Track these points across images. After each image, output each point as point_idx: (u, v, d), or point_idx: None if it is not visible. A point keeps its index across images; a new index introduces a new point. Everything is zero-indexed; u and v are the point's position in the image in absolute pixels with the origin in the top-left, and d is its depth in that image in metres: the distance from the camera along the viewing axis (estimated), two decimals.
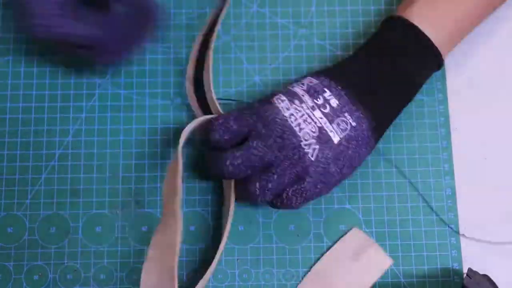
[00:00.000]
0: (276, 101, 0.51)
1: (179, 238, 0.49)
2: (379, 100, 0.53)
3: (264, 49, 0.60)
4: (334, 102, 0.51)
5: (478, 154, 0.59)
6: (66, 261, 0.55)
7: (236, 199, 0.53)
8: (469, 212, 0.57)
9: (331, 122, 0.51)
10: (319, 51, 0.60)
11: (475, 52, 0.61)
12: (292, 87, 0.53)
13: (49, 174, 0.57)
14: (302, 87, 0.52)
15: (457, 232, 0.56)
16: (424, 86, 0.58)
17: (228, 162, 0.49)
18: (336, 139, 0.51)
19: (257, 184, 0.49)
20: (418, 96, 0.56)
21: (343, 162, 0.51)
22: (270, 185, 0.49)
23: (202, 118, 0.53)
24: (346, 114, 0.51)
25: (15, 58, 0.60)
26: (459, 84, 0.60)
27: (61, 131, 0.58)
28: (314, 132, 0.50)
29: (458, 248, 0.56)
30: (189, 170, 0.57)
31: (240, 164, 0.49)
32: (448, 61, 0.60)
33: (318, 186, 0.51)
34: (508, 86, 0.60)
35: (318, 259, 0.56)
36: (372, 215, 0.57)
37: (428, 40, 0.53)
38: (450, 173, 0.58)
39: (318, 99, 0.51)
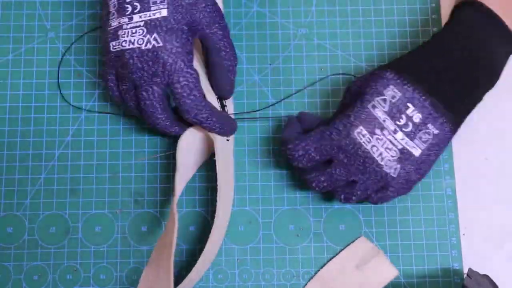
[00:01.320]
0: (357, 136, 0.51)
1: (175, 237, 0.49)
2: (461, 96, 0.53)
3: (264, 49, 0.60)
4: (417, 117, 0.51)
5: (478, 154, 0.59)
6: (65, 261, 0.55)
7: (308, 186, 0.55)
8: (469, 212, 0.57)
9: (412, 139, 0.51)
10: (319, 51, 0.60)
11: None
12: (373, 106, 0.52)
13: (49, 174, 0.57)
14: (383, 107, 0.51)
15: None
16: None
17: (314, 185, 0.53)
18: (417, 152, 0.52)
19: (342, 196, 0.53)
20: None
21: (425, 169, 0.53)
22: (354, 198, 0.53)
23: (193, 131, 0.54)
24: (428, 125, 0.52)
25: (15, 58, 0.60)
26: None
27: (61, 131, 0.58)
28: (394, 156, 0.51)
29: (458, 248, 0.56)
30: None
31: (325, 186, 0.53)
32: None
33: (401, 191, 0.53)
34: (509, 86, 0.60)
35: (319, 259, 0.56)
36: (372, 215, 0.57)
37: (506, 26, 0.53)
38: (450, 173, 0.58)
39: (401, 120, 0.51)
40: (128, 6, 0.52)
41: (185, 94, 0.52)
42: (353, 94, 0.54)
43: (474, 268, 0.53)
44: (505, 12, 0.53)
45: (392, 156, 0.51)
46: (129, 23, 0.52)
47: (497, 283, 0.52)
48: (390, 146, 0.51)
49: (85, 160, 0.57)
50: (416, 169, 0.52)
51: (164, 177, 0.57)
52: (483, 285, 0.51)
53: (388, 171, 0.51)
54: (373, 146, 0.51)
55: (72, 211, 0.56)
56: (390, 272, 0.55)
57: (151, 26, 0.51)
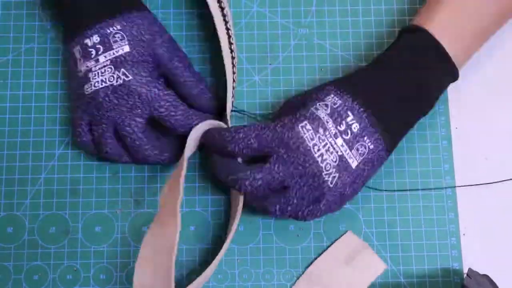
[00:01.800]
0: (301, 130, 0.51)
1: (177, 239, 0.49)
2: (397, 117, 0.53)
3: (264, 49, 0.60)
4: (355, 126, 0.51)
5: (478, 154, 0.59)
6: (65, 261, 0.55)
7: (247, 204, 0.53)
8: (469, 212, 0.57)
9: (351, 148, 0.51)
10: (319, 51, 0.60)
11: (476, 52, 0.61)
12: (316, 109, 0.52)
13: (49, 174, 0.57)
14: (325, 110, 0.52)
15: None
16: None
17: (247, 183, 0.50)
18: (354, 164, 0.51)
19: (277, 207, 0.51)
20: None
21: (359, 184, 0.52)
22: (289, 208, 0.51)
23: (208, 123, 0.54)
24: (365, 138, 0.52)
25: (15, 58, 0.60)
26: (459, 84, 0.60)
27: (60, 131, 0.58)
28: (335, 162, 0.51)
29: (458, 248, 0.56)
30: (190, 170, 0.57)
31: (260, 185, 0.50)
32: None
33: (332, 207, 0.52)
34: (509, 85, 0.60)
35: (314, 260, 0.56)
36: (372, 215, 0.57)
37: (447, 54, 0.53)
38: (450, 173, 0.58)
39: (341, 125, 0.51)
40: (92, 49, 0.54)
41: (172, 113, 0.53)
42: (291, 107, 0.54)
43: (474, 268, 0.53)
44: (449, 40, 0.53)
45: (333, 161, 0.51)
46: (97, 65, 0.53)
47: (497, 283, 0.52)
48: (331, 149, 0.51)
49: (85, 160, 0.57)
50: (351, 183, 0.51)
51: (164, 177, 0.57)
52: (483, 285, 0.51)
53: (326, 178, 0.51)
54: (315, 144, 0.51)
55: (72, 211, 0.56)
56: (379, 266, 0.55)
57: (117, 63, 0.53)
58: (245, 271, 0.56)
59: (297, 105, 0.54)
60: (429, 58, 0.53)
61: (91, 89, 0.53)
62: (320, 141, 0.51)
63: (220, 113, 0.57)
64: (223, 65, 0.55)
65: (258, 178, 0.50)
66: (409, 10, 0.62)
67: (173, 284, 0.49)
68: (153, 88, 0.53)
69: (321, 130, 0.51)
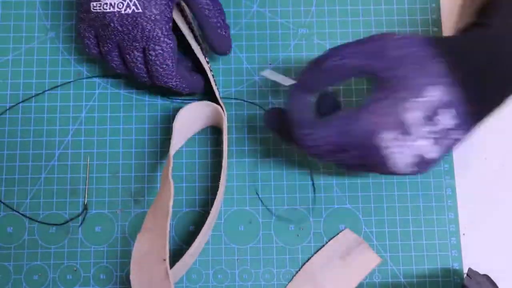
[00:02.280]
0: (379, 143, 0.45)
1: (171, 202, 0.51)
2: (492, 101, 0.47)
3: (264, 49, 0.60)
4: (448, 123, 0.46)
5: (478, 154, 0.59)
6: (66, 261, 0.55)
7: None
8: (469, 212, 0.57)
9: (434, 144, 0.46)
10: (319, 51, 0.60)
11: None
12: (404, 110, 0.45)
13: (49, 174, 0.57)
14: (415, 110, 0.45)
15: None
16: None
17: (311, 143, 0.47)
18: (436, 155, 0.46)
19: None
20: None
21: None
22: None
23: (204, 104, 0.56)
24: (456, 131, 0.46)
25: (15, 58, 0.60)
26: None
27: (61, 131, 0.58)
28: (409, 162, 0.46)
29: (458, 248, 0.56)
30: (190, 170, 0.57)
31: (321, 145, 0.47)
32: None
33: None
34: None
35: (313, 255, 0.56)
36: (372, 215, 0.57)
37: None
38: (450, 173, 0.58)
39: (430, 122, 0.45)
40: None
41: (158, 62, 0.53)
42: (387, 60, 0.46)
43: (474, 268, 0.53)
44: None
45: (406, 162, 0.46)
46: None
47: (497, 283, 0.52)
48: (407, 152, 0.46)
49: (85, 160, 0.57)
50: (429, 169, 0.47)
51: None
52: (483, 285, 0.51)
53: (395, 169, 0.47)
54: (392, 152, 0.46)
55: (72, 211, 0.56)
56: (373, 260, 0.55)
57: None
58: (245, 271, 0.56)
59: (393, 65, 0.46)
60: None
61: (99, 9, 0.53)
62: (398, 147, 0.46)
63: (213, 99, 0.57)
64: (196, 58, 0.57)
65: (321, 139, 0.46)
66: (409, 10, 0.62)
67: (167, 244, 0.49)
68: (157, 29, 0.53)
69: (400, 137, 0.45)
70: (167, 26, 0.53)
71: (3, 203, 0.56)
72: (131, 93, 0.59)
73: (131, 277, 0.51)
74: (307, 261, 0.56)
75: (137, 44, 0.53)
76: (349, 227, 0.56)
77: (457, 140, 0.47)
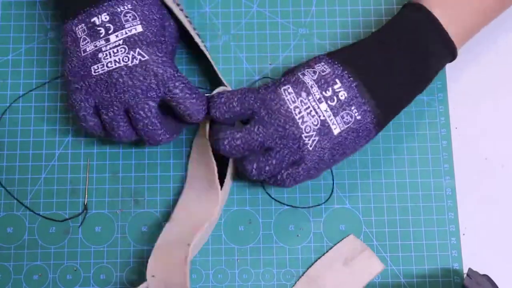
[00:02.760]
0: (283, 92, 0.51)
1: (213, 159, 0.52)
2: (390, 91, 0.52)
3: (264, 49, 0.60)
4: (342, 94, 0.51)
5: (478, 154, 0.59)
6: (65, 261, 0.55)
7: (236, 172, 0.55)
8: (469, 212, 0.57)
9: (335, 115, 0.51)
10: (319, 51, 0.60)
11: (475, 52, 0.61)
12: (303, 74, 0.52)
13: (49, 174, 0.57)
14: (312, 76, 0.52)
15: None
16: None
17: (226, 142, 0.50)
18: (336, 131, 0.51)
19: (255, 165, 0.51)
20: (418, 96, 0.56)
21: (338, 151, 0.52)
22: (267, 168, 0.51)
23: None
24: (352, 108, 0.51)
25: (15, 58, 0.60)
26: (459, 84, 0.60)
27: (60, 131, 0.58)
28: (316, 125, 0.51)
29: (458, 248, 0.56)
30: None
31: (238, 145, 0.50)
32: None
33: (311, 172, 0.52)
34: (508, 85, 0.60)
35: (318, 259, 0.56)
36: (372, 215, 0.57)
37: (447, 33, 0.53)
38: (450, 173, 0.58)
39: (327, 91, 0.51)
40: (101, 28, 0.52)
41: (187, 95, 0.51)
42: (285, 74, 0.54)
43: (474, 268, 0.53)
44: (449, 19, 0.53)
45: (313, 124, 0.50)
46: (107, 44, 0.51)
47: (497, 283, 0.52)
48: (313, 113, 0.51)
49: (85, 160, 0.57)
50: (331, 148, 0.51)
51: (164, 177, 0.57)
52: (483, 285, 0.51)
53: (306, 141, 0.50)
54: (296, 107, 0.51)
55: (72, 211, 0.56)
56: (377, 266, 0.55)
57: (131, 43, 0.51)
58: (245, 271, 0.56)
59: (289, 71, 0.54)
60: (428, 36, 0.53)
61: (103, 70, 0.51)
62: (302, 104, 0.51)
63: None
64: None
65: (237, 137, 0.50)
66: None
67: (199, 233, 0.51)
68: (168, 68, 0.51)
69: (303, 94, 0.51)
70: (174, 65, 0.52)
71: (7, 190, 0.56)
72: None
73: (149, 261, 0.51)
74: (310, 265, 0.56)
75: (153, 94, 0.51)
76: (349, 227, 0.56)
77: (357, 121, 0.51)
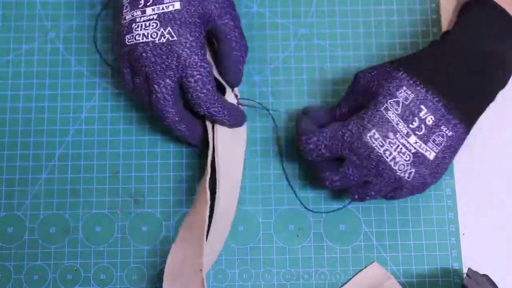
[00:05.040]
0: (369, 140, 0.50)
1: (207, 212, 0.51)
2: (474, 95, 0.52)
3: (264, 49, 0.60)
4: (430, 119, 0.51)
5: (478, 155, 0.59)
6: (66, 261, 0.55)
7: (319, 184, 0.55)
8: (469, 212, 0.57)
9: (426, 142, 0.51)
10: (319, 51, 0.60)
11: None
12: (386, 109, 0.51)
13: (49, 174, 0.57)
14: (396, 110, 0.51)
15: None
16: None
17: (327, 183, 0.53)
18: (432, 155, 0.51)
19: (356, 196, 0.53)
20: None
21: (441, 171, 0.52)
22: (368, 198, 0.53)
23: None
24: (442, 127, 0.51)
25: (15, 58, 0.60)
26: None
27: (61, 131, 0.58)
28: (408, 160, 0.51)
29: (458, 248, 0.56)
30: (190, 171, 0.57)
31: (338, 185, 0.53)
32: None
33: (414, 192, 0.53)
34: (509, 86, 0.60)
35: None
36: (372, 215, 0.57)
37: None
38: (450, 173, 0.58)
39: (413, 123, 0.51)
40: None
41: (198, 88, 0.52)
42: (362, 89, 0.53)
43: (474, 268, 0.53)
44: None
45: (406, 160, 0.50)
46: (142, 16, 0.52)
47: (497, 283, 0.52)
48: (404, 150, 0.50)
49: (85, 160, 0.57)
50: (432, 173, 0.51)
51: (164, 177, 0.57)
52: (483, 285, 0.51)
53: (402, 175, 0.51)
54: (386, 150, 0.50)
55: (72, 211, 0.56)
56: None
57: (164, 20, 0.52)
58: (245, 271, 0.56)
59: (368, 87, 0.53)
60: (498, 29, 0.52)
61: (132, 41, 0.52)
62: (391, 145, 0.51)
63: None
64: None
65: (336, 180, 0.53)
66: (409, 10, 0.62)
67: (203, 253, 0.50)
68: (194, 55, 0.52)
69: (391, 135, 0.51)
70: (202, 51, 0.53)
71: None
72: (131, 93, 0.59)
73: (164, 286, 0.51)
74: (317, 262, 0.56)
75: (170, 73, 0.52)
76: (349, 227, 0.56)
77: (449, 138, 0.51)
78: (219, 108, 0.53)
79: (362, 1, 0.62)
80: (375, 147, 0.50)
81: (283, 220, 0.57)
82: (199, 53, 0.52)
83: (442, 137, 0.51)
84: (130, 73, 0.53)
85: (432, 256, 0.56)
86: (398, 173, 0.51)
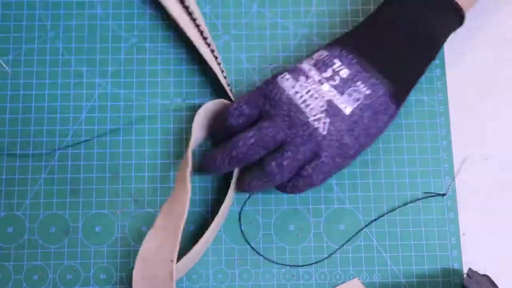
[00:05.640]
0: (279, 81, 0.51)
1: (187, 204, 0.50)
2: (399, 62, 0.52)
3: (264, 49, 0.60)
4: (344, 72, 0.51)
5: (478, 154, 0.59)
6: (66, 261, 0.55)
7: (240, 189, 0.54)
8: (469, 212, 0.57)
9: (341, 93, 0.50)
10: None
11: (475, 52, 0.61)
12: (300, 63, 0.52)
13: (49, 174, 0.57)
14: (309, 62, 0.52)
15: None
16: (423, 86, 0.58)
17: (241, 143, 0.50)
18: (348, 110, 0.50)
19: (273, 163, 0.50)
20: (418, 96, 0.56)
21: (359, 132, 0.51)
22: (285, 163, 0.50)
23: (214, 102, 0.55)
24: (358, 83, 0.50)
25: (15, 58, 0.60)
26: (459, 84, 0.60)
27: (61, 131, 0.58)
28: (322, 107, 0.50)
29: (458, 248, 0.56)
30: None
31: (253, 143, 0.50)
32: (448, 61, 0.60)
33: (336, 159, 0.51)
34: (508, 86, 0.60)
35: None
36: (372, 215, 0.57)
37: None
38: (450, 173, 0.58)
39: (326, 72, 0.51)
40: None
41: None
42: None
43: (474, 268, 0.53)
44: None
45: (320, 106, 0.50)
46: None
47: (497, 283, 0.52)
48: (316, 95, 0.50)
49: (85, 160, 0.57)
50: (349, 130, 0.50)
51: (164, 177, 0.57)
52: (483, 285, 0.51)
53: (317, 125, 0.50)
54: (296, 92, 0.50)
55: (72, 211, 0.56)
56: None
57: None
58: (245, 271, 0.56)
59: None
60: (431, 2, 0.52)
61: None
62: (302, 88, 0.50)
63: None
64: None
65: (250, 136, 0.50)
66: None
67: (177, 245, 0.49)
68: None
69: (302, 78, 0.51)
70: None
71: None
72: (131, 93, 0.59)
73: (134, 272, 0.51)
74: (317, 262, 0.56)
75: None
76: (349, 227, 0.56)
77: (367, 96, 0.50)
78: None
79: (362, 1, 0.62)
80: (286, 87, 0.50)
81: (283, 220, 0.57)
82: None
83: (358, 93, 0.50)
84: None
85: (432, 256, 0.56)
86: (311, 121, 0.50)
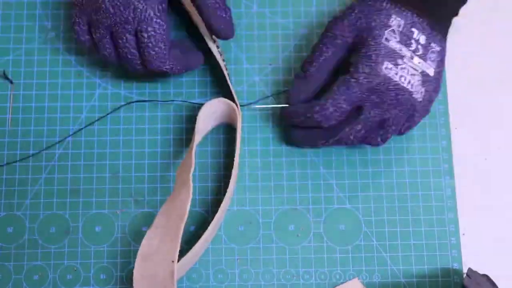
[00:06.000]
0: (386, 72, 0.52)
1: (188, 205, 0.51)
2: (443, 9, 0.55)
3: (264, 50, 0.60)
4: (422, 39, 0.53)
5: (478, 154, 0.59)
6: (66, 261, 0.55)
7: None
8: (469, 212, 0.57)
9: (426, 60, 0.53)
10: None
11: (475, 53, 0.61)
12: (386, 39, 0.53)
13: (49, 174, 0.57)
14: (395, 37, 0.53)
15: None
16: None
17: (352, 136, 0.53)
18: (432, 71, 0.54)
19: (379, 139, 0.54)
20: None
21: (439, 85, 0.55)
22: (389, 136, 0.54)
23: (222, 101, 0.55)
24: (432, 44, 0.54)
25: (15, 58, 0.60)
26: (459, 84, 0.60)
27: (60, 131, 0.58)
28: (420, 80, 0.53)
29: (458, 248, 0.56)
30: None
31: (362, 134, 0.54)
32: (448, 61, 0.60)
33: (423, 114, 0.55)
34: (508, 86, 0.60)
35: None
36: (372, 215, 0.57)
37: None
38: (450, 173, 0.58)
39: (411, 45, 0.53)
40: None
41: (150, 44, 0.53)
42: (348, 29, 0.54)
43: (474, 268, 0.53)
44: None
45: (418, 81, 0.53)
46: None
47: (497, 283, 0.52)
48: (413, 71, 0.53)
49: (85, 160, 0.57)
50: (434, 88, 0.54)
51: (164, 177, 0.57)
52: (483, 285, 0.51)
53: (416, 96, 0.53)
54: (401, 76, 0.52)
55: (72, 211, 0.56)
56: None
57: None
58: (245, 271, 0.56)
59: (355, 25, 0.54)
60: None
61: None
62: (403, 70, 0.52)
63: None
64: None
65: (359, 128, 0.53)
66: None
67: (178, 246, 0.49)
68: (150, 9, 0.52)
69: (399, 61, 0.53)
70: (160, 7, 0.53)
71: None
72: (131, 94, 0.59)
73: (135, 271, 0.51)
74: (317, 262, 0.56)
75: (129, 27, 0.52)
76: (349, 227, 0.56)
77: (439, 53, 0.54)
78: (171, 65, 0.54)
79: None
80: (392, 77, 0.52)
81: (283, 220, 0.57)
82: (156, 8, 0.52)
83: (434, 53, 0.54)
84: (84, 25, 0.54)
85: (432, 256, 0.56)
86: (414, 95, 0.52)
